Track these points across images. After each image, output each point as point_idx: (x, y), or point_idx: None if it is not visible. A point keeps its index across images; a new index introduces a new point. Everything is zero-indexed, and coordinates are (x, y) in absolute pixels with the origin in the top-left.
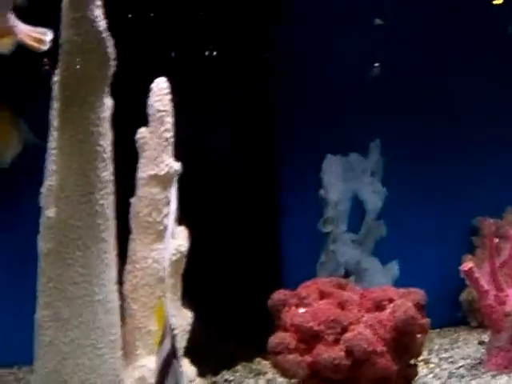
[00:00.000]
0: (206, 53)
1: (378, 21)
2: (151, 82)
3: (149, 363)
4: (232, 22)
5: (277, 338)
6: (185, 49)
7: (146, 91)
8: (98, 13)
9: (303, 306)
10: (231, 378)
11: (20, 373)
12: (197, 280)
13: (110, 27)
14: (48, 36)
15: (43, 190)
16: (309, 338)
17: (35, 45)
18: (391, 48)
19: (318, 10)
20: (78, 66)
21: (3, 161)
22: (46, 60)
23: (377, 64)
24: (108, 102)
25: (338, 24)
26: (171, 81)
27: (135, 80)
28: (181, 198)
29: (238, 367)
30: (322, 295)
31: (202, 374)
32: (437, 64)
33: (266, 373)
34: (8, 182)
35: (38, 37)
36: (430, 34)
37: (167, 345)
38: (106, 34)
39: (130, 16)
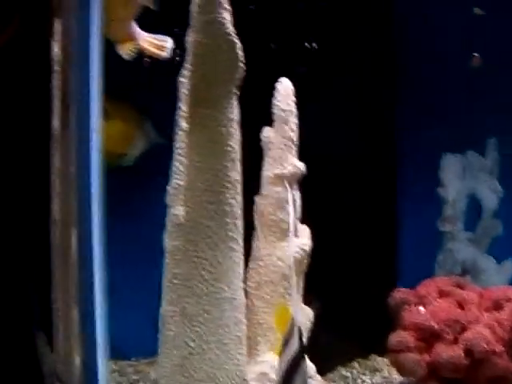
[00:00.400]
0: (330, 52)
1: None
2: (275, 81)
3: (270, 359)
4: (357, 23)
5: (397, 337)
6: (309, 50)
7: (269, 91)
8: (227, 16)
9: (423, 305)
10: (347, 374)
11: (139, 365)
12: (315, 278)
13: (238, 29)
14: (168, 43)
15: (170, 188)
16: (428, 337)
17: (156, 52)
18: (507, 43)
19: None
20: (206, 69)
21: (128, 159)
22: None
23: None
24: (236, 104)
25: (453, 26)
26: (295, 81)
27: (259, 80)
28: (303, 197)
29: (354, 364)
30: (442, 294)
31: (318, 370)
32: None
33: (381, 370)
34: (132, 179)
35: (159, 44)
36: None
37: (295, 344)
38: (234, 37)
39: (255, 18)
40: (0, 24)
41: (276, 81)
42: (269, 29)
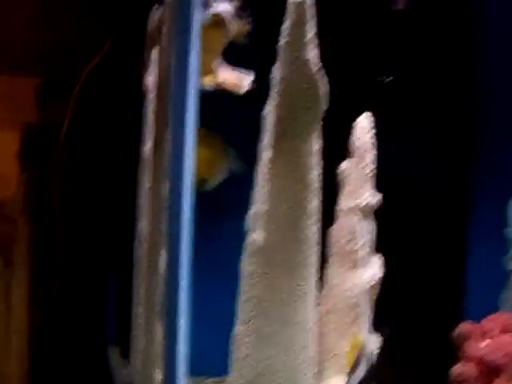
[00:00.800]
0: (408, 80)
1: None
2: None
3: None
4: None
5: (459, 369)
6: (388, 80)
7: (349, 124)
8: (313, 54)
9: (486, 339)
10: None
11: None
12: (384, 306)
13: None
14: (246, 80)
15: (251, 213)
16: (490, 371)
17: (232, 88)
18: None
19: None
20: (290, 101)
21: (210, 185)
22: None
23: None
24: (319, 136)
25: None
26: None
27: (340, 113)
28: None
29: None
30: (506, 329)
31: None
32: None
33: None
34: (212, 205)
35: (236, 82)
36: None
37: (362, 371)
38: (319, 74)
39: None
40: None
41: (356, 114)
42: (351, 62)
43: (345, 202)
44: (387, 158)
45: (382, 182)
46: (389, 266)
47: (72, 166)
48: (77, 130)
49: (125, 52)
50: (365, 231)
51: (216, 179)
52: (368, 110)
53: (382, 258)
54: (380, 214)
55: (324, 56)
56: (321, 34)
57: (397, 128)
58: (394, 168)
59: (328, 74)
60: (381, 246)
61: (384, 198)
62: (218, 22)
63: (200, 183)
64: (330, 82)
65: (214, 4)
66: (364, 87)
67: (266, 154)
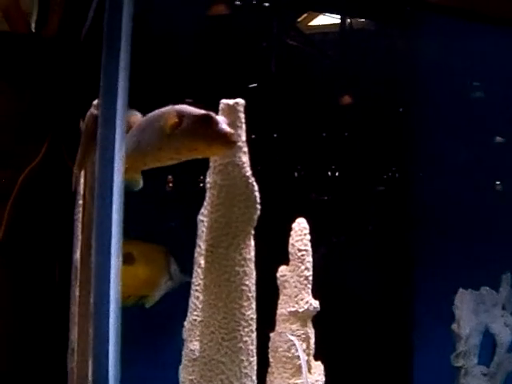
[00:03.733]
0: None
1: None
2: (289, 221)
3: None
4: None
5: None
6: (320, 189)
7: (284, 230)
8: (245, 159)
9: None
10: None
11: None
12: None
13: (255, 172)
14: None
15: (187, 324)
16: None
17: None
18: None
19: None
20: (225, 209)
21: (151, 300)
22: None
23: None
24: (252, 243)
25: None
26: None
27: (274, 220)
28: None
29: None
30: None
31: None
32: None
33: None
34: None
35: None
36: None
37: None
38: (252, 179)
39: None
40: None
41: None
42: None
43: (284, 308)
44: (326, 264)
45: (322, 288)
46: (331, 372)
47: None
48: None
49: (60, 156)
50: (304, 337)
51: (157, 295)
52: (306, 216)
53: (324, 364)
54: (321, 320)
55: (256, 160)
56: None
57: (334, 233)
58: (334, 275)
59: (261, 178)
60: (322, 352)
61: (324, 304)
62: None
63: (142, 300)
64: (264, 187)
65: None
66: (300, 197)
67: (199, 261)
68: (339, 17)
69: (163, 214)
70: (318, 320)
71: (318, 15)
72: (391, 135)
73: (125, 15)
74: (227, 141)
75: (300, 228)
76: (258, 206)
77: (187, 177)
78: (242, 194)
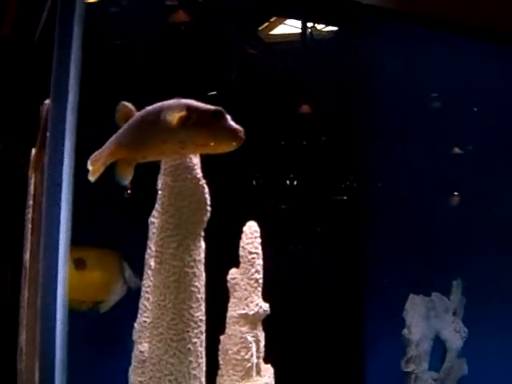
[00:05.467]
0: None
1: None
2: (241, 224)
3: None
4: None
5: None
6: (273, 194)
7: (236, 234)
8: (196, 161)
9: None
10: None
11: None
12: None
13: (213, 179)
14: None
15: (137, 325)
16: None
17: None
18: (470, 189)
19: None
20: (175, 211)
21: (106, 305)
22: (127, 190)
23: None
24: (202, 245)
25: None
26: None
27: (225, 222)
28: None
29: None
30: None
31: None
32: None
33: None
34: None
35: None
36: None
37: None
38: (202, 181)
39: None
40: None
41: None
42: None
43: (234, 310)
44: (280, 269)
45: (274, 292)
46: (281, 375)
47: None
48: None
49: (13, 156)
50: (254, 339)
51: (113, 300)
52: (261, 222)
53: (274, 367)
54: (272, 323)
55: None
56: None
57: (289, 240)
58: (288, 280)
59: (219, 186)
60: (273, 355)
61: (276, 308)
62: None
63: (97, 305)
64: (221, 194)
65: None
66: (253, 194)
67: (149, 263)
68: (300, 26)
69: (117, 218)
70: (269, 323)
71: (278, 24)
72: (348, 143)
73: (76, 19)
74: (237, 137)
75: (251, 231)
76: (208, 208)
77: (141, 180)
78: (192, 196)
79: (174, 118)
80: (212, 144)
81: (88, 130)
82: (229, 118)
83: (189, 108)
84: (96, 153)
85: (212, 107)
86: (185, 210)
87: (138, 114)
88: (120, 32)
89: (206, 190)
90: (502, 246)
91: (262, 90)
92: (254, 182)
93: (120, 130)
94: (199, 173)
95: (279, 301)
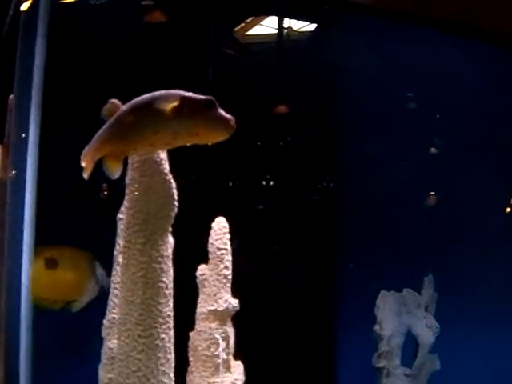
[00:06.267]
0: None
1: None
2: (210, 220)
3: None
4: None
5: None
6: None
7: (205, 229)
8: (163, 156)
9: None
10: None
11: None
12: None
13: (173, 169)
14: None
15: (106, 321)
16: None
17: None
18: (440, 182)
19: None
20: (142, 206)
21: (78, 305)
22: (104, 186)
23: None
24: (170, 240)
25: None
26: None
27: (195, 218)
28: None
29: None
30: None
31: None
32: (490, 198)
33: None
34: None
35: None
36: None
37: None
38: (169, 177)
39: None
40: None
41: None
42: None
43: (203, 307)
44: (252, 266)
45: (247, 286)
46: (252, 371)
47: None
48: None
49: None
50: (224, 336)
51: (85, 299)
52: (226, 214)
53: (244, 364)
54: (243, 319)
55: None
56: None
57: (262, 238)
58: (260, 277)
59: (188, 179)
60: (243, 351)
61: (247, 304)
62: None
63: (69, 304)
64: (184, 184)
65: None
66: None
67: (119, 258)
68: (276, 26)
69: (88, 218)
70: (241, 319)
71: (255, 25)
72: (322, 143)
73: (41, 15)
74: (229, 126)
75: (219, 227)
76: (176, 204)
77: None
78: (160, 191)
79: (168, 107)
80: (204, 133)
81: (58, 127)
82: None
83: (182, 97)
84: (85, 148)
85: (203, 97)
86: (152, 206)
87: (125, 107)
88: (96, 31)
89: (174, 185)
90: (473, 241)
91: (238, 90)
92: (231, 182)
93: (107, 124)
94: (167, 168)
95: (251, 298)
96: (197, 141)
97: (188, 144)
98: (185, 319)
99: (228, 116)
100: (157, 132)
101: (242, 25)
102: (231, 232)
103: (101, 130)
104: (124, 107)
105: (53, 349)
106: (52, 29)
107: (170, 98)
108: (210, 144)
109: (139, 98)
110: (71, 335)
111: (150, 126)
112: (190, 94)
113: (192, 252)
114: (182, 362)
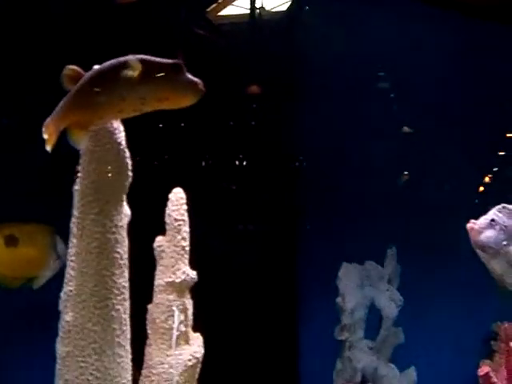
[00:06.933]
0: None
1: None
2: (168, 191)
3: None
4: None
5: None
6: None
7: (163, 200)
8: (117, 125)
9: None
10: None
11: None
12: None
13: (128, 138)
14: None
15: (62, 294)
16: None
17: None
18: (403, 158)
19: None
20: (96, 176)
21: (39, 281)
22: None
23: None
24: (125, 211)
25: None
26: (188, 190)
27: (153, 189)
28: (198, 305)
29: None
30: None
31: None
32: (452, 172)
33: None
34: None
35: None
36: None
37: None
38: (123, 146)
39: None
40: None
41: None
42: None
43: (161, 279)
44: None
45: (210, 259)
46: (213, 344)
47: None
48: None
49: None
50: (182, 308)
51: (46, 275)
52: (184, 185)
53: (203, 336)
54: (203, 290)
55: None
56: None
57: (215, 206)
58: (226, 251)
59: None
60: (204, 324)
61: (207, 276)
62: None
63: (29, 281)
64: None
65: None
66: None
67: (73, 230)
68: (248, 7)
69: (49, 194)
70: (201, 292)
71: (227, 5)
72: (287, 123)
73: None
74: (198, 89)
75: (176, 198)
76: (130, 173)
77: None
78: (114, 161)
79: (134, 72)
80: (173, 98)
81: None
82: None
83: (147, 62)
84: (47, 119)
85: (170, 60)
86: (105, 176)
87: (89, 74)
88: (65, 12)
89: (128, 154)
90: (436, 215)
91: (211, 70)
92: (198, 159)
93: (71, 92)
94: (120, 137)
95: (213, 271)
96: (165, 106)
97: (156, 109)
98: (144, 292)
99: (196, 79)
100: (124, 98)
101: (214, 5)
102: (193, 207)
103: (64, 99)
104: (88, 74)
105: (15, 326)
106: None
107: (135, 62)
108: (178, 108)
109: (103, 65)
110: (34, 312)
111: (117, 91)
112: (155, 58)
113: (153, 224)
114: (142, 335)
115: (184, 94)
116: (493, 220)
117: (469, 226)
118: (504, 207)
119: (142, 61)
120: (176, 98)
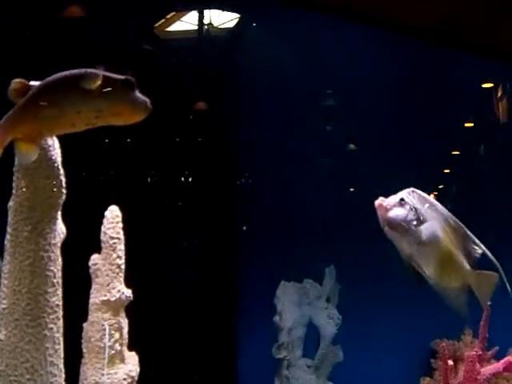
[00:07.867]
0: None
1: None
2: (104, 209)
3: None
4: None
5: None
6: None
7: (99, 218)
8: (51, 143)
9: None
10: None
11: None
12: None
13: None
14: None
15: None
16: None
17: None
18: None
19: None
20: (29, 193)
21: None
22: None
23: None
24: (60, 229)
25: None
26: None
27: (88, 207)
28: (133, 321)
29: None
30: None
31: None
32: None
33: None
34: None
35: None
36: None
37: None
38: (57, 163)
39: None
40: None
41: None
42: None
43: (96, 297)
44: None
45: (146, 276)
46: (152, 362)
47: None
48: None
49: None
50: (117, 326)
51: None
52: (123, 202)
53: (138, 355)
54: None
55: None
56: None
57: (160, 228)
58: (164, 270)
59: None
60: (141, 342)
61: (145, 295)
62: None
63: None
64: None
65: None
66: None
67: (6, 247)
68: (196, 23)
69: None
70: (138, 310)
71: (175, 21)
72: (230, 142)
73: None
74: (147, 107)
75: (112, 215)
76: (64, 191)
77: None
78: (47, 178)
79: (94, 85)
80: (126, 113)
81: None
82: None
83: (105, 76)
84: None
85: (123, 76)
86: (39, 193)
87: (40, 86)
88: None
89: (62, 172)
90: (374, 234)
91: (158, 86)
92: (149, 180)
93: (21, 102)
94: (55, 154)
95: (149, 288)
96: (117, 121)
97: (107, 124)
98: (79, 310)
99: (145, 97)
100: (79, 112)
101: (163, 21)
102: (131, 224)
103: (12, 110)
104: (39, 85)
105: None
106: None
107: (92, 76)
108: (127, 125)
109: (56, 76)
110: None
111: (73, 104)
112: (108, 73)
113: (89, 242)
114: (77, 354)
115: (137, 109)
116: (402, 199)
117: (377, 202)
118: (414, 191)
119: (98, 74)
120: (129, 114)
